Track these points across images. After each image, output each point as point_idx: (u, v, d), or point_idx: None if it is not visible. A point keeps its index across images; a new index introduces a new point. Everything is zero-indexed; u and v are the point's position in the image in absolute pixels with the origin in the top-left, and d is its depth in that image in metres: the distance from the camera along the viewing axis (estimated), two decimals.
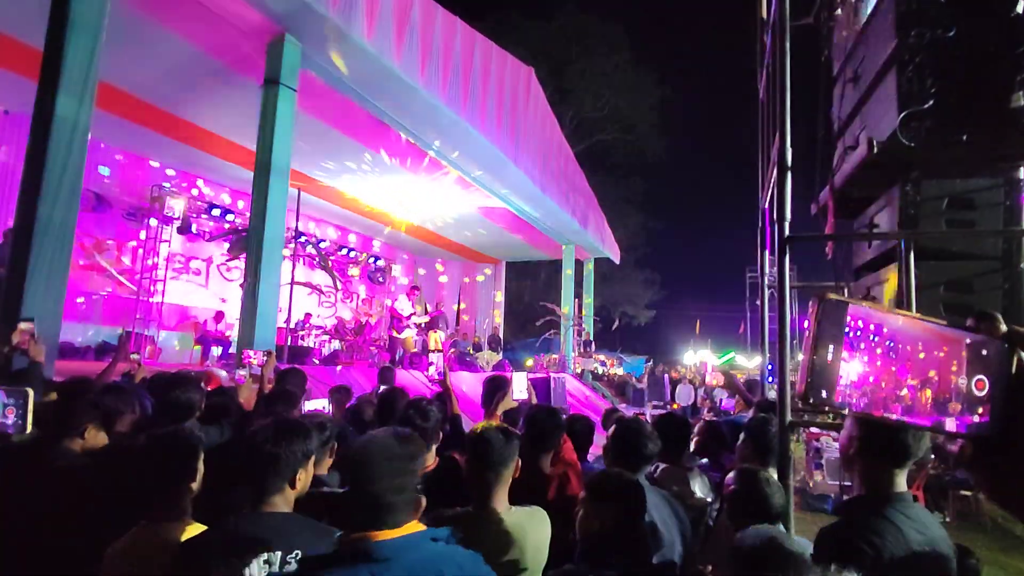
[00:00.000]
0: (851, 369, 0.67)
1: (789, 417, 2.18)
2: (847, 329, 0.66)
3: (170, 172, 10.83)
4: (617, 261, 18.14)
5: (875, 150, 2.53)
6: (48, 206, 4.28)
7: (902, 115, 2.29)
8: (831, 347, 0.66)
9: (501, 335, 17.68)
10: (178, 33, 6.38)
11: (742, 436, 2.60)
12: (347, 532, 1.30)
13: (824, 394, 0.65)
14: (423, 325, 11.75)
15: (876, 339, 0.67)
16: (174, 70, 7.23)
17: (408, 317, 11.21)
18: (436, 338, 11.68)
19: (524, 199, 12.24)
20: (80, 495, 1.91)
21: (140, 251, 10.50)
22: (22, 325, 3.57)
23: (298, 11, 5.92)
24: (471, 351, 13.97)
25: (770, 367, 4.70)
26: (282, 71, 6.28)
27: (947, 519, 6.30)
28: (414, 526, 1.32)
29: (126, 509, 1.72)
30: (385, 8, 6.88)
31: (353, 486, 1.33)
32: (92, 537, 1.69)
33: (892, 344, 0.66)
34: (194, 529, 1.67)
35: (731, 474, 2.01)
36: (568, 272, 16.00)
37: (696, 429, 3.27)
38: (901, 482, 1.43)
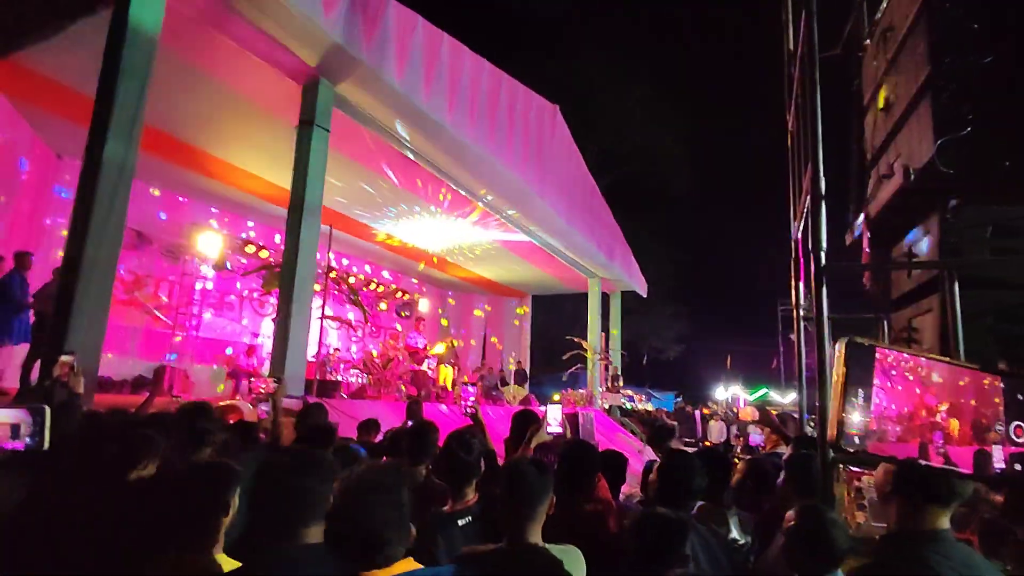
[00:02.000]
0: (883, 398, 0.66)
1: (832, 454, 2.08)
2: (877, 356, 0.66)
3: (209, 210, 11.23)
4: (644, 294, 17.93)
5: (912, 177, 2.47)
6: (94, 245, 4.44)
7: (939, 142, 2.24)
8: (860, 392, 0.66)
9: (528, 369, 17.52)
10: (219, 78, 6.71)
11: (783, 473, 2.50)
12: (337, 571, 1.25)
13: (857, 441, 0.64)
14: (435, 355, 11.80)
15: (907, 364, 0.66)
16: (214, 112, 7.58)
17: (424, 349, 11.25)
18: (446, 372, 11.67)
19: (551, 233, 12.31)
20: (119, 523, 1.92)
21: (176, 287, 10.82)
22: (63, 358, 3.68)
23: (333, 55, 6.17)
24: (498, 386, 13.86)
25: None
26: (316, 112, 6.51)
27: (1007, 567, 5.90)
28: (407, 564, 1.26)
29: (159, 538, 1.72)
30: (415, 51, 7.13)
31: (343, 522, 1.28)
32: (125, 565, 1.69)
33: (922, 372, 0.65)
34: (223, 560, 1.66)
35: (791, 511, 1.81)
36: (594, 305, 15.89)
37: (739, 467, 3.16)
38: (942, 520, 1.28)
